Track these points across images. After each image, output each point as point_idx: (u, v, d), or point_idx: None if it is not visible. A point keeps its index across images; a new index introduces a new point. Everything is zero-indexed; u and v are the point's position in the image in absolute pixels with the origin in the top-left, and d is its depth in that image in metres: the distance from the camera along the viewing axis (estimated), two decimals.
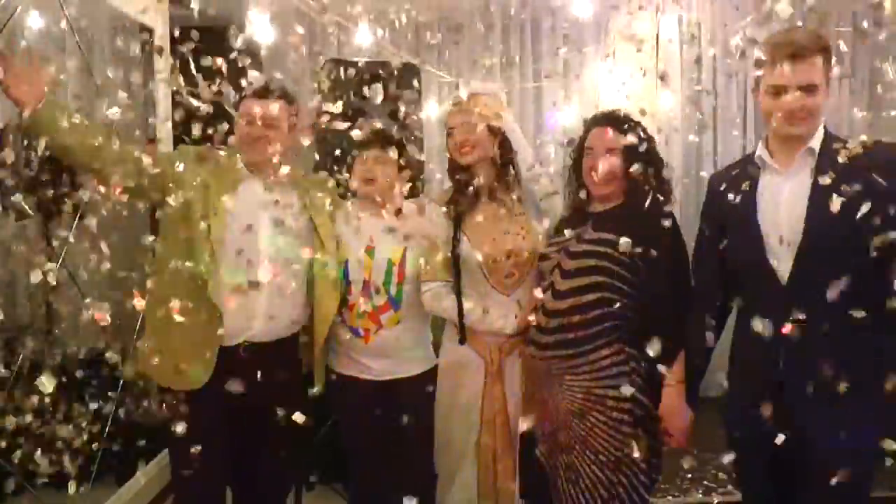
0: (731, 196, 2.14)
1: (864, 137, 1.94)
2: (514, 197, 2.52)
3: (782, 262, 2.01)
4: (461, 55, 4.79)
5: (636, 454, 2.17)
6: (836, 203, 1.87)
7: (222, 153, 2.56)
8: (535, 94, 4.84)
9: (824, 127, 2.05)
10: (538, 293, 2.35)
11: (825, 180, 1.93)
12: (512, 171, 2.54)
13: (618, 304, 2.24)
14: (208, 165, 2.48)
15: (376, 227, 2.59)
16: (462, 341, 2.51)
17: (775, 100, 2.01)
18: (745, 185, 2.11)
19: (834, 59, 2.00)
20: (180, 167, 2.44)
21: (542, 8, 4.70)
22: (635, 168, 2.26)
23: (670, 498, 3.31)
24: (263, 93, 2.56)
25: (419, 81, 3.93)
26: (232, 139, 2.56)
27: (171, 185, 2.41)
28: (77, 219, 3.57)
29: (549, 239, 2.46)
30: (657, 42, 4.58)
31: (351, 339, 2.58)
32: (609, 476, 2.22)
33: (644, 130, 2.36)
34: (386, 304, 2.56)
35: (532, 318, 2.36)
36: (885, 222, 1.84)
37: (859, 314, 1.86)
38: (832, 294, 1.84)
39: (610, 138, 2.32)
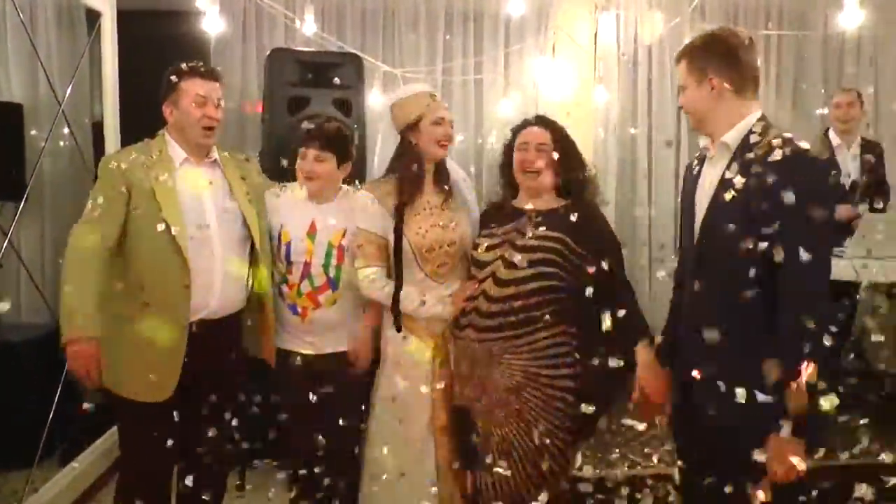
0: (685, 182, 2.34)
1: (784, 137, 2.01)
2: (446, 189, 2.69)
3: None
4: (404, 46, 4.88)
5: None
6: (727, 196, 2.02)
7: (147, 144, 2.56)
8: (476, 86, 4.96)
9: (759, 120, 2.09)
10: (474, 283, 2.54)
11: (728, 175, 2.06)
12: (445, 165, 2.72)
13: (558, 293, 2.45)
14: (138, 169, 2.47)
15: (317, 211, 2.71)
16: (398, 329, 2.64)
17: None
18: (695, 171, 2.27)
19: None
20: (124, 190, 2.44)
21: (483, 1, 4.83)
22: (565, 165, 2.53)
23: (598, 471, 3.49)
24: (211, 74, 2.57)
25: (361, 71, 4.01)
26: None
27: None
28: (24, 200, 3.60)
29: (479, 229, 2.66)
30: (595, 39, 4.77)
31: (288, 315, 2.70)
32: (539, 443, 2.43)
33: (569, 135, 2.61)
34: (325, 285, 2.68)
35: (471, 304, 2.53)
36: (760, 223, 1.94)
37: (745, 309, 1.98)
38: (719, 279, 2.03)
39: (541, 136, 2.56)
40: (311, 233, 2.68)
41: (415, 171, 2.61)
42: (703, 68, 2.10)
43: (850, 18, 2.78)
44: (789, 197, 1.88)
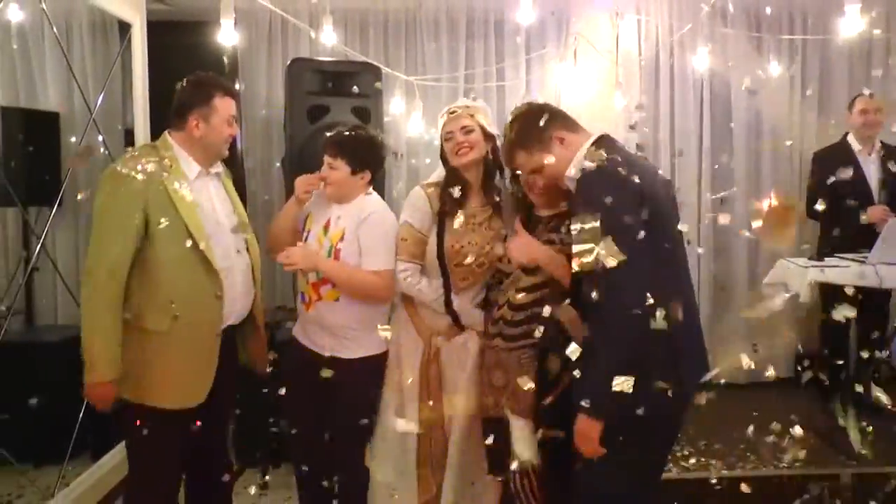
0: None
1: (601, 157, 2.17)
2: (495, 202, 2.72)
3: None
4: (427, 54, 4.95)
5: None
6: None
7: (156, 150, 2.54)
8: (497, 92, 4.99)
9: (592, 145, 2.27)
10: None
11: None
12: (498, 177, 2.75)
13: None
14: (155, 181, 2.45)
15: (336, 210, 2.77)
16: (460, 327, 2.72)
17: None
18: None
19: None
20: (140, 203, 2.42)
21: (504, 8, 4.84)
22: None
23: None
24: (237, 93, 2.65)
25: (380, 80, 4.09)
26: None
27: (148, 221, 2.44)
28: (57, 205, 3.74)
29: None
30: (617, 45, 4.81)
31: (300, 304, 2.79)
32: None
33: None
34: (326, 278, 2.72)
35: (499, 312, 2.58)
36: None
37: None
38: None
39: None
40: (326, 227, 2.76)
41: (449, 183, 2.71)
42: (542, 136, 2.29)
43: (851, 25, 2.79)
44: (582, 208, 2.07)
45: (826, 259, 4.05)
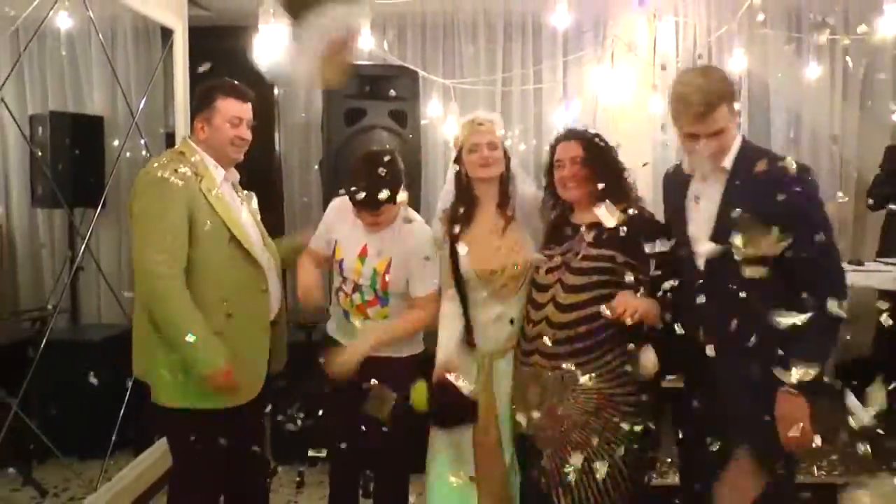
0: (669, 194, 2.55)
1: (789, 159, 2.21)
2: (509, 213, 2.72)
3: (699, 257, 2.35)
4: (464, 57, 4.97)
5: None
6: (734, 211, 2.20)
7: (185, 157, 2.54)
8: (534, 95, 5.01)
9: (742, 143, 2.30)
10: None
11: (733, 192, 2.27)
12: (510, 190, 2.75)
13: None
14: (192, 185, 2.47)
15: (370, 237, 2.73)
16: (471, 344, 2.68)
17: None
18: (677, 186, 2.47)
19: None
20: (185, 208, 2.44)
21: (541, 11, 4.80)
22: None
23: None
24: (246, 95, 2.63)
25: (417, 84, 4.15)
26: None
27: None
28: (101, 206, 3.84)
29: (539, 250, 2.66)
30: (654, 47, 4.77)
31: (341, 316, 2.79)
32: (621, 453, 2.42)
33: (604, 141, 2.60)
34: (374, 300, 2.72)
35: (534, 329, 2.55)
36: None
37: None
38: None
39: (573, 148, 2.55)
40: (362, 255, 2.73)
41: (463, 198, 2.72)
42: (733, 107, 2.26)
43: (890, 25, 2.74)
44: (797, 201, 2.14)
45: (866, 263, 3.98)
